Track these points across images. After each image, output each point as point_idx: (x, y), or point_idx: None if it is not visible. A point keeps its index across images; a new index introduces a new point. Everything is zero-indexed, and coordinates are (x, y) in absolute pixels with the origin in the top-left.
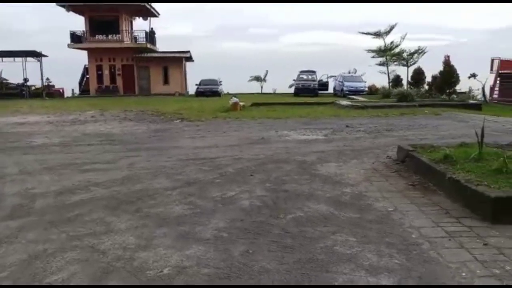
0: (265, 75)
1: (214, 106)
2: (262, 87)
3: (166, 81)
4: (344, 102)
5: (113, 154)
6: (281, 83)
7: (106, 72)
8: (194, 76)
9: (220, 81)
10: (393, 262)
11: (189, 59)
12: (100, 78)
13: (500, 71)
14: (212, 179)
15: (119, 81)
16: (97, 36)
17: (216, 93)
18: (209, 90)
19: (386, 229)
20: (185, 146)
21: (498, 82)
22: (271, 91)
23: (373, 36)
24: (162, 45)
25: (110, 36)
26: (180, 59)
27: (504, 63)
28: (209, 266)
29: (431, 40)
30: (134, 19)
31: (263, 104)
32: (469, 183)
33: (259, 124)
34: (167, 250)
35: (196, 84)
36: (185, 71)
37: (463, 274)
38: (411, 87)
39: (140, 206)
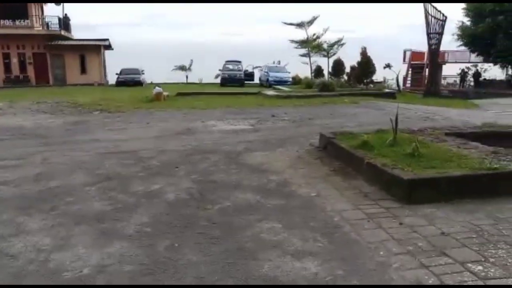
0: (190, 65)
1: (136, 97)
2: (187, 77)
3: (83, 70)
4: (270, 92)
5: (25, 149)
6: (207, 73)
7: (14, 60)
8: (115, 65)
9: (143, 71)
10: (317, 245)
11: (108, 47)
12: (7, 67)
13: (411, 62)
14: (135, 173)
15: (31, 71)
16: (2, 22)
17: (138, 83)
18: (130, 79)
19: (310, 214)
20: (105, 139)
21: (410, 72)
22: (197, 81)
23: (296, 27)
24: (81, 34)
25: (18, 22)
26: (98, 47)
27: (415, 55)
28: (132, 263)
29: (351, 32)
30: (46, 4)
31: (188, 94)
32: (385, 167)
33: (185, 115)
34: (87, 249)
35: (117, 74)
36: (104, 60)
37: (381, 253)
38: (332, 77)
39: (56, 204)
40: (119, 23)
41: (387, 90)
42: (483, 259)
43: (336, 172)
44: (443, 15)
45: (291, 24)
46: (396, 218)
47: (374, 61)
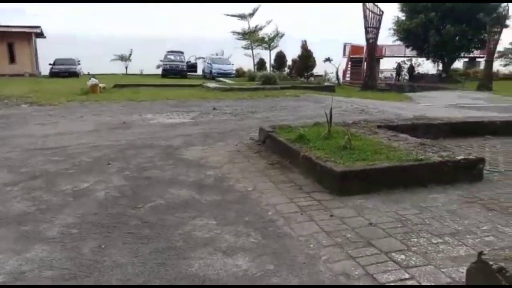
0: (130, 54)
1: (71, 88)
2: (127, 68)
3: (12, 59)
4: (212, 84)
5: None
6: (149, 64)
7: None
8: (50, 55)
9: (79, 61)
10: (250, 241)
11: (40, 35)
12: None
13: (351, 56)
14: (64, 170)
15: None
16: None
17: (73, 74)
18: (65, 70)
19: (245, 208)
20: (33, 134)
21: (350, 66)
22: (138, 72)
23: (238, 18)
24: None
25: None
26: (28, 35)
27: (354, 49)
28: (53, 268)
29: (293, 27)
30: None
31: (127, 85)
32: (319, 160)
33: (122, 108)
34: (3, 254)
35: (50, 64)
36: (36, 49)
37: (311, 245)
38: (275, 70)
39: None
40: (55, 11)
41: (327, 84)
42: (406, 248)
43: (273, 166)
44: (380, 9)
45: (233, 15)
46: (328, 210)
47: (315, 54)
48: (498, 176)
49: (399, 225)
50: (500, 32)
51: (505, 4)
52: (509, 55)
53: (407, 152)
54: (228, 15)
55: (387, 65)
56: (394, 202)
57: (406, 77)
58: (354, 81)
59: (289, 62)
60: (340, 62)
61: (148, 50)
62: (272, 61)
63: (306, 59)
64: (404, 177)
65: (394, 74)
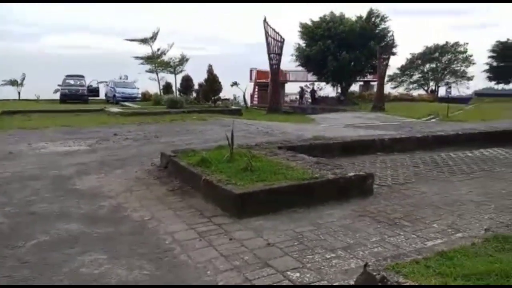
0: (23, 79)
1: None
2: (19, 93)
3: None
4: (115, 109)
5: None
6: (45, 88)
7: None
8: None
9: None
10: (143, 273)
11: None
12: None
13: (257, 80)
14: None
15: None
16: None
17: None
18: None
19: (141, 239)
20: None
21: (256, 90)
22: (34, 98)
23: (139, 43)
24: None
25: None
26: None
27: (260, 73)
28: None
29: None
30: None
31: (18, 112)
32: (219, 183)
33: (9, 136)
34: None
35: None
36: None
37: (208, 272)
38: (181, 94)
39: None
40: None
41: (234, 107)
42: (301, 266)
43: (174, 192)
44: (281, 37)
45: (133, 40)
46: (227, 234)
47: (224, 79)
48: (386, 190)
49: (296, 243)
50: (388, 59)
51: (391, 34)
52: (397, 79)
53: (303, 171)
54: (128, 40)
55: (292, 89)
56: (293, 220)
57: (309, 100)
58: (261, 105)
59: (196, 86)
60: (247, 86)
61: (46, 72)
62: (178, 85)
63: (212, 83)
64: (302, 195)
65: (298, 97)
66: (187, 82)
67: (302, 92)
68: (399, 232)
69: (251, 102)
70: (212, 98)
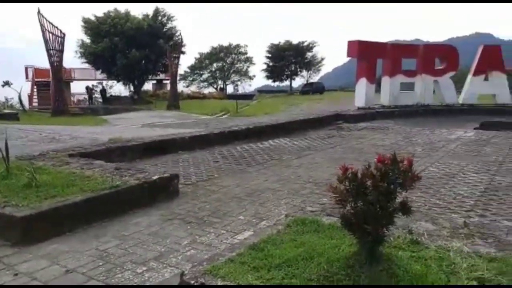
0: None
1: None
2: None
3: None
4: None
5: None
6: None
7: None
8: None
9: None
10: None
11: None
12: None
13: (36, 79)
14: None
15: None
16: None
17: None
18: None
19: None
20: None
21: (35, 90)
22: None
23: None
24: None
25: None
26: None
27: (38, 72)
28: None
29: None
30: None
31: None
32: None
33: None
34: None
35: None
36: None
37: None
38: None
39: None
40: None
41: (7, 111)
42: None
43: None
44: (61, 31)
45: None
46: (11, 268)
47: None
48: (192, 188)
49: (101, 263)
50: (178, 58)
51: (179, 33)
52: (189, 77)
53: (102, 180)
54: None
55: (79, 88)
56: (94, 237)
57: (100, 100)
58: (43, 107)
59: None
60: (22, 86)
61: None
62: None
63: None
64: (103, 207)
65: (87, 97)
66: None
67: (90, 92)
68: (210, 230)
69: (30, 104)
70: None
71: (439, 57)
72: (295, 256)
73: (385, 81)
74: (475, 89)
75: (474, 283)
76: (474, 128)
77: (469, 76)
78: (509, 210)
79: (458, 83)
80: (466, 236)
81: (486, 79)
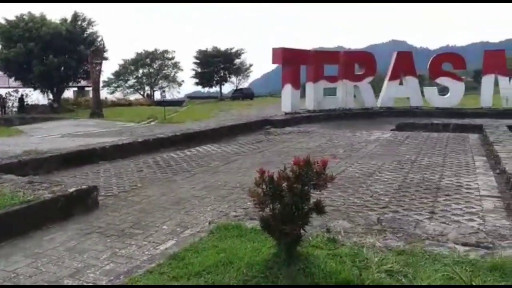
0: None
1: None
2: None
3: None
4: None
5: None
6: None
7: None
8: None
9: None
10: None
11: None
12: None
13: None
14: None
15: None
16: None
17: None
18: None
19: None
20: None
21: None
22: None
23: None
24: None
25: None
26: None
27: None
28: None
29: None
30: None
31: None
32: None
33: None
34: None
35: None
36: None
37: None
38: None
39: None
40: None
41: None
42: None
43: None
44: None
45: None
46: None
47: None
48: (113, 200)
49: (8, 284)
50: (101, 64)
51: (101, 38)
52: (113, 84)
53: (12, 195)
54: None
55: None
56: (3, 257)
57: (15, 109)
58: None
59: None
60: None
61: None
62: None
63: None
64: (14, 224)
65: None
66: None
67: (3, 101)
68: (131, 242)
69: None
70: None
71: (358, 63)
72: (215, 263)
73: (309, 86)
74: (391, 93)
75: (383, 275)
76: (391, 130)
77: (386, 81)
78: (419, 205)
79: (377, 87)
80: (379, 232)
81: (401, 83)
